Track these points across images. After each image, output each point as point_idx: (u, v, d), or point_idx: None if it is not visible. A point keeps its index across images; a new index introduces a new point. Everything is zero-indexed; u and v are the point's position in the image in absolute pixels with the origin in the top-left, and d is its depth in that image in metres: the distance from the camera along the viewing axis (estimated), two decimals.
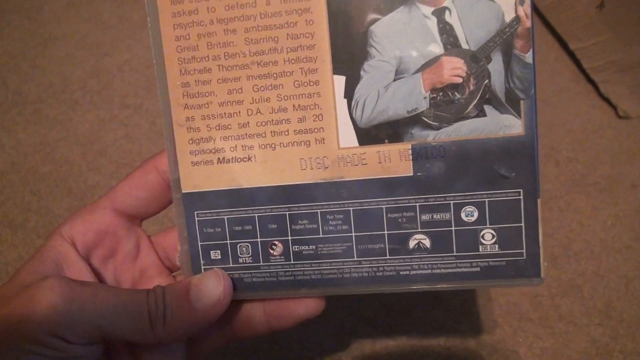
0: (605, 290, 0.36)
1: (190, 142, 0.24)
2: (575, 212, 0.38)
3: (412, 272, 0.24)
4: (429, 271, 0.24)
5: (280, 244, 0.24)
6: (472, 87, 0.22)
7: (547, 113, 0.42)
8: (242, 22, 0.23)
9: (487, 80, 0.22)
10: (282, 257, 0.24)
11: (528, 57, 0.22)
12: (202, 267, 0.25)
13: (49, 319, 0.20)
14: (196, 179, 0.24)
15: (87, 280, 0.24)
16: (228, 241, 0.25)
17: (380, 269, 0.24)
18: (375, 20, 0.22)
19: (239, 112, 0.24)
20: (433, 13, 0.22)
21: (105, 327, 0.21)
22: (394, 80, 0.23)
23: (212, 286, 0.23)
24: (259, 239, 0.24)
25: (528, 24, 0.22)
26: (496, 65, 0.22)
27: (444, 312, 0.36)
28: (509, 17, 0.22)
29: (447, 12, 0.22)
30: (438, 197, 0.23)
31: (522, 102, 0.22)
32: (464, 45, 0.22)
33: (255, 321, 0.25)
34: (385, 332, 0.36)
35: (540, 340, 0.35)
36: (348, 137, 0.23)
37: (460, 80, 0.22)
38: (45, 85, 0.45)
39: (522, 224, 0.23)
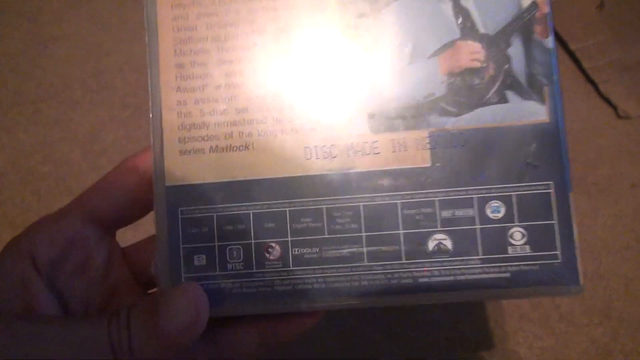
0: (605, 290, 0.36)
1: (180, 127, 0.22)
2: (576, 212, 0.39)
3: (433, 279, 0.21)
4: (451, 278, 0.21)
5: (277, 247, 0.22)
6: (491, 72, 0.22)
7: None
8: (246, 3, 0.23)
9: (507, 65, 0.22)
10: (280, 262, 0.22)
11: (548, 42, 0.22)
12: (183, 277, 0.22)
13: None
14: (183, 170, 0.22)
15: (40, 311, 0.21)
16: (216, 243, 0.22)
17: (395, 275, 0.21)
18: (389, 4, 0.22)
19: (237, 95, 0.22)
20: None
21: None
22: (409, 64, 0.22)
23: (182, 306, 0.20)
24: (252, 241, 0.22)
25: (546, 9, 0.22)
26: (516, 50, 0.22)
27: (444, 312, 0.36)
28: (526, 2, 0.22)
29: None
30: (460, 190, 0.21)
31: (545, 87, 0.22)
32: (482, 30, 0.22)
33: (247, 340, 0.22)
34: (385, 332, 0.36)
35: (540, 340, 0.35)
36: (359, 123, 0.22)
37: (478, 64, 0.22)
38: (45, 85, 0.46)
39: (555, 221, 0.21)
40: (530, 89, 0.22)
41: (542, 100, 0.22)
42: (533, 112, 0.22)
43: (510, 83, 0.22)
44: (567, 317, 0.36)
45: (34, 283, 0.21)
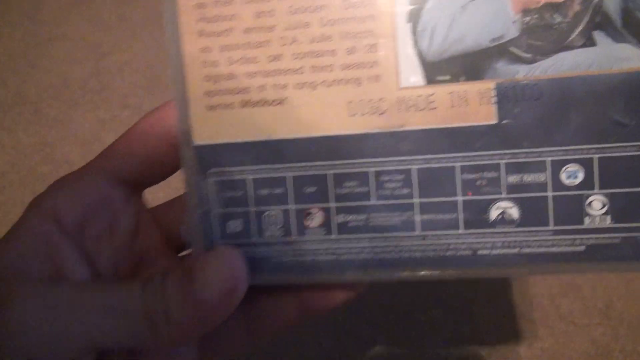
0: (605, 290, 0.36)
1: (206, 79, 0.20)
2: None
3: (494, 252, 0.19)
4: (516, 250, 0.19)
5: (319, 213, 0.20)
6: (577, 8, 0.18)
7: None
8: None
9: None
10: (322, 229, 0.20)
11: None
12: (217, 242, 0.20)
13: (22, 338, 0.17)
14: (212, 127, 0.20)
15: (69, 276, 0.20)
16: (252, 208, 0.20)
17: (452, 246, 0.19)
18: None
19: (270, 40, 0.19)
20: None
21: (97, 337, 0.18)
22: (472, 0, 0.18)
23: (220, 271, 0.18)
24: (291, 206, 0.20)
25: None
26: None
27: (444, 312, 0.36)
28: None
29: None
30: (530, 152, 0.18)
31: None
32: None
33: (286, 310, 0.21)
34: (385, 332, 0.36)
35: (540, 340, 0.35)
36: (411, 73, 0.19)
37: None
38: (45, 85, 0.46)
39: None
40: (625, 28, 0.18)
41: (639, 43, 0.18)
42: (627, 58, 0.18)
43: (599, 21, 0.18)
44: (567, 317, 0.36)
45: (62, 246, 0.20)
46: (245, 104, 0.20)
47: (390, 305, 0.36)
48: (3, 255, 0.19)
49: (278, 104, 0.20)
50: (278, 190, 0.20)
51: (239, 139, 0.20)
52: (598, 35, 0.18)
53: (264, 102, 0.20)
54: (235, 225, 0.20)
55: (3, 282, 0.18)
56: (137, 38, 0.46)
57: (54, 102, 0.45)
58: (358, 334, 0.36)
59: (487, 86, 0.19)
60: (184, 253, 0.23)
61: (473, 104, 0.19)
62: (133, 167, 0.21)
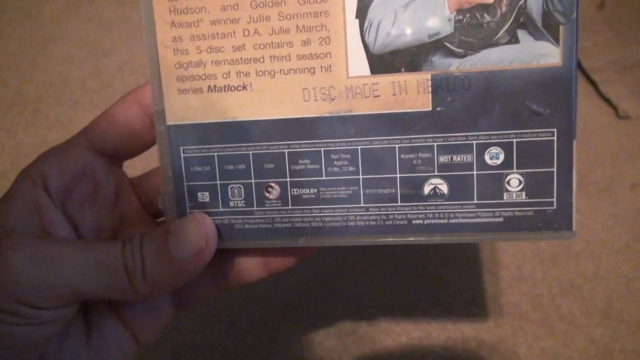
0: (605, 290, 0.37)
1: (177, 66, 0.22)
2: (575, 212, 0.39)
3: (427, 222, 0.22)
4: (445, 221, 0.22)
5: (277, 186, 0.22)
6: (504, 9, 0.20)
7: None
8: None
9: (522, 1, 0.20)
10: (279, 201, 0.22)
11: None
12: (188, 211, 0.23)
13: (12, 284, 0.19)
14: (183, 109, 0.22)
15: (55, 236, 0.22)
16: (218, 182, 0.23)
17: (390, 217, 0.22)
18: None
19: (234, 32, 0.21)
20: None
21: (80, 287, 0.19)
22: None
23: (192, 233, 0.21)
24: (253, 180, 0.22)
25: None
26: None
27: (444, 312, 0.37)
28: None
29: None
30: (459, 136, 0.21)
31: (561, 27, 0.20)
32: None
33: (250, 267, 0.24)
34: (385, 332, 0.36)
35: (540, 340, 0.36)
36: (359, 64, 0.21)
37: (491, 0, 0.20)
38: (45, 85, 0.46)
39: (554, 169, 0.21)
40: (545, 28, 0.20)
41: (556, 41, 0.20)
42: (545, 54, 0.20)
43: (523, 21, 0.20)
44: (567, 317, 0.36)
45: (48, 209, 0.22)
46: (212, 89, 0.22)
47: (390, 305, 0.37)
48: None
49: (242, 89, 0.22)
50: (241, 166, 0.22)
51: (207, 120, 0.22)
52: (521, 34, 0.20)
53: (228, 88, 0.22)
54: (203, 196, 0.23)
55: None
56: (137, 38, 0.46)
57: (54, 102, 0.45)
58: (358, 334, 0.36)
59: (424, 77, 0.21)
60: (161, 219, 0.26)
61: (411, 93, 0.21)
62: (113, 140, 0.23)
